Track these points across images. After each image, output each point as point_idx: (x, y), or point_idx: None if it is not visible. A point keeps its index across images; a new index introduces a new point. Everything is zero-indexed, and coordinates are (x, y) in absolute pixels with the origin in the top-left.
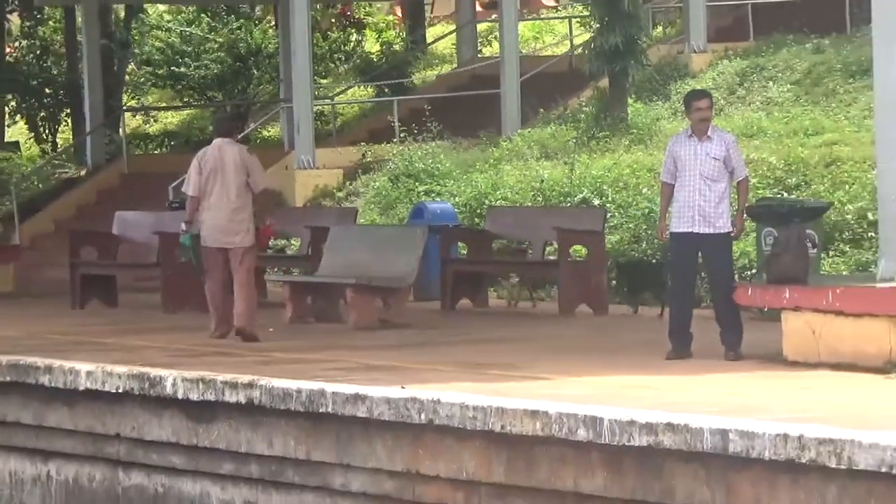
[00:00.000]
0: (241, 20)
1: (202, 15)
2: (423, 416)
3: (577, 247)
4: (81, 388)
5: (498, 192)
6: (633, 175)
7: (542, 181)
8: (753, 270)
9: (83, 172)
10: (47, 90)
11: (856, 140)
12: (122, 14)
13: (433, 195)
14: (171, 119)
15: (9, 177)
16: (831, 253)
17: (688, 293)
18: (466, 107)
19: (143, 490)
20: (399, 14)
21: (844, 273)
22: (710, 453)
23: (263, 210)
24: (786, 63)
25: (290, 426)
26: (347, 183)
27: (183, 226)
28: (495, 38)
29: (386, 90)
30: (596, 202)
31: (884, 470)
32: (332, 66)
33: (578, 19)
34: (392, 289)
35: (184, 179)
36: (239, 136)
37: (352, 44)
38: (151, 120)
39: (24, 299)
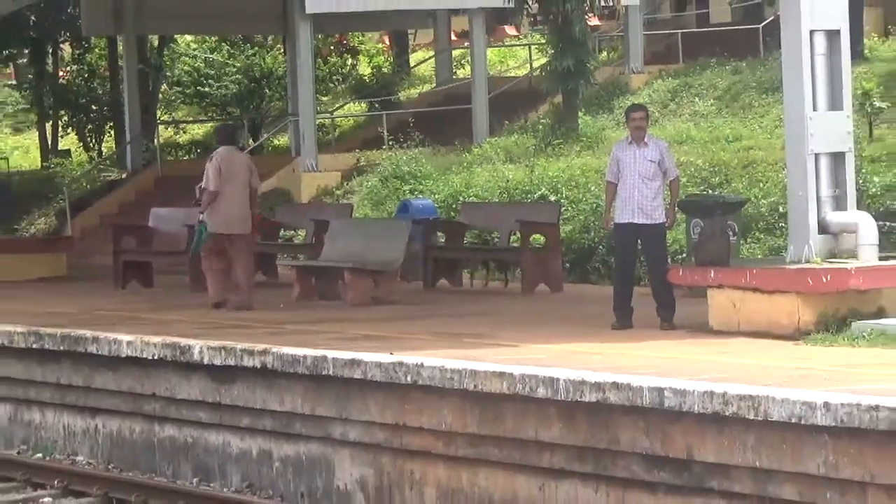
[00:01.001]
0: (256, 48)
1: (223, 44)
2: (408, 378)
3: (537, 236)
4: (123, 355)
5: (470, 190)
6: (583, 175)
7: (507, 181)
8: (684, 255)
9: (124, 175)
10: (94, 107)
11: (768, 145)
12: (156, 43)
13: (416, 193)
14: (197, 130)
15: (62, 179)
16: (748, 240)
17: (629, 274)
18: (444, 119)
19: (174, 440)
20: (387, 42)
21: (760, 257)
22: (649, 408)
23: (254, 204)
24: (709, 82)
25: (297, 386)
26: (345, 183)
27: (201, 216)
28: (467, 62)
29: (376, 105)
30: (552, 198)
31: (793, 421)
32: (332, 85)
33: (537, 46)
34: (382, 271)
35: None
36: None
37: (347, 67)
38: (181, 131)
39: (74, 282)
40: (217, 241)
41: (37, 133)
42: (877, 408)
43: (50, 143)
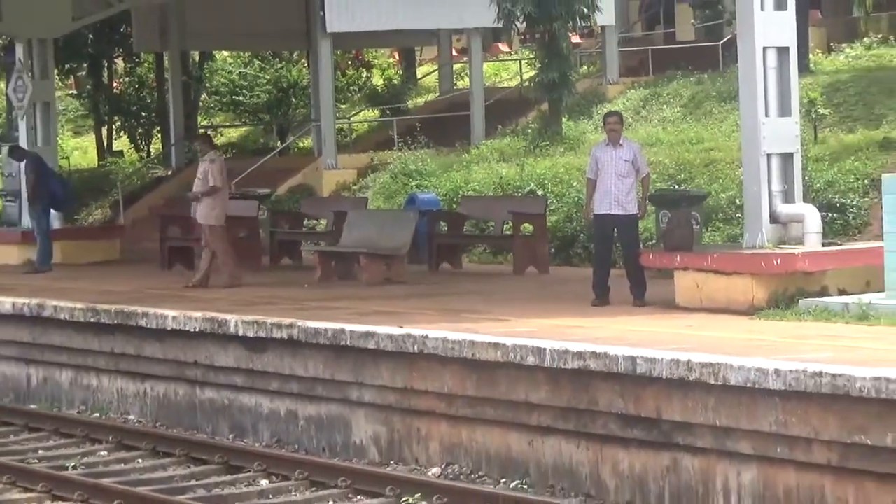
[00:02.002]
0: (283, 62)
1: (254, 59)
2: (415, 348)
3: (526, 225)
4: (168, 328)
5: (469, 185)
6: (566, 173)
7: (501, 177)
8: (654, 241)
9: (169, 172)
10: (143, 113)
11: (727, 147)
12: (197, 58)
13: (422, 188)
14: (232, 134)
15: (116, 176)
16: (710, 228)
17: (606, 258)
18: (446, 124)
19: (213, 402)
20: (397, 57)
21: (719, 243)
22: (623, 374)
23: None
24: (675, 92)
25: (319, 355)
26: (360, 179)
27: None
28: (466, 74)
29: (387, 112)
30: (539, 192)
31: (748, 385)
32: (349, 95)
33: (526, 61)
34: (393, 255)
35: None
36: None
37: (362, 79)
38: (218, 134)
39: (126, 265)
40: (226, 231)
41: (94, 136)
42: (820, 374)
43: (105, 144)
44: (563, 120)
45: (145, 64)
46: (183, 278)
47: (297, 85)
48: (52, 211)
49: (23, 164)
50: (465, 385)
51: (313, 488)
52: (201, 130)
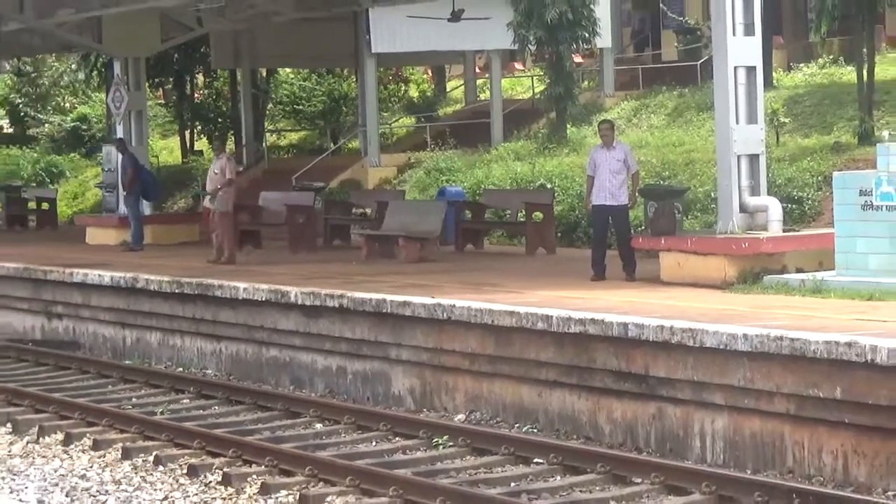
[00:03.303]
0: (335, 77)
1: (312, 74)
2: (444, 315)
3: (537, 213)
4: (240, 297)
5: (489, 180)
6: (570, 170)
7: (516, 174)
8: (643, 227)
9: (241, 169)
10: (219, 120)
11: (704, 149)
12: (265, 74)
13: (450, 182)
14: (293, 137)
15: (196, 171)
16: (689, 217)
17: (603, 241)
18: (470, 129)
19: (276, 359)
20: (430, 74)
21: (697, 229)
22: (617, 337)
23: None
24: (661, 103)
25: (365, 320)
26: (399, 175)
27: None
28: (488, 88)
29: (422, 119)
30: (548, 186)
31: (721, 347)
32: (390, 105)
33: (537, 77)
34: (426, 238)
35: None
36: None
37: (401, 92)
38: (281, 137)
39: (204, 245)
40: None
41: (178, 138)
42: (781, 338)
43: (187, 145)
44: (568, 126)
45: (221, 78)
46: (250, 257)
47: (347, 96)
48: (144, 200)
49: (120, 160)
50: (485, 346)
51: (359, 431)
52: (269, 134)
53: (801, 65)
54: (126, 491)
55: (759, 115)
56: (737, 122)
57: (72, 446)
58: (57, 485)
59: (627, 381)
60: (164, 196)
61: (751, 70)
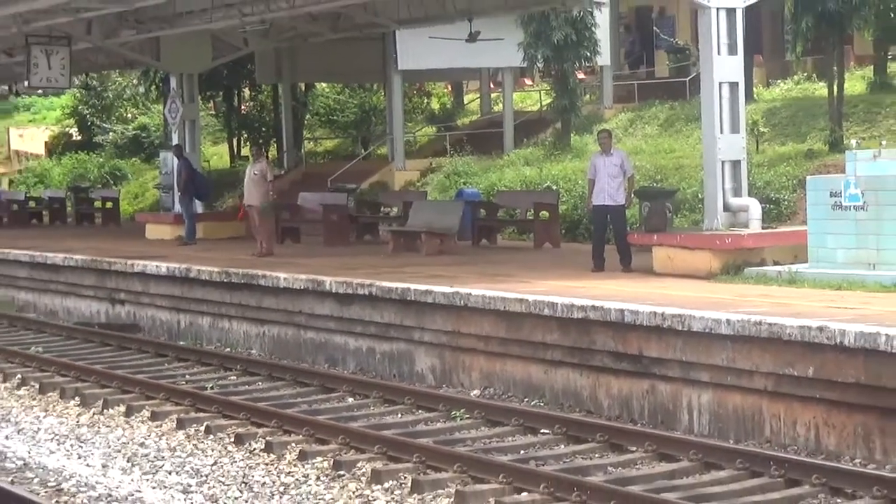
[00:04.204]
0: (366, 91)
1: (345, 88)
2: (462, 302)
3: (544, 212)
4: (281, 286)
5: (502, 182)
6: (574, 174)
7: (525, 177)
8: (638, 225)
9: (282, 172)
10: (262, 129)
11: (692, 156)
12: (303, 88)
13: (467, 184)
14: (328, 144)
15: (243, 174)
16: (679, 216)
17: (602, 237)
18: (485, 138)
19: (313, 340)
20: (450, 88)
21: (686, 226)
22: (615, 322)
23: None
24: (654, 115)
25: (392, 306)
26: (422, 178)
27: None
28: (501, 101)
29: (442, 129)
30: (554, 188)
31: (707, 331)
32: (414, 116)
33: (545, 91)
34: (446, 234)
35: (333, 176)
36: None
37: (424, 104)
38: (318, 144)
39: (250, 240)
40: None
41: (227, 145)
42: (760, 323)
43: (235, 151)
44: (572, 135)
45: (265, 92)
46: (291, 250)
47: (376, 108)
48: (197, 200)
49: (176, 165)
50: (498, 329)
51: (386, 404)
52: (307, 141)
53: (779, 81)
54: (180, 457)
55: (741, 125)
56: (721, 132)
57: (132, 417)
58: (119, 451)
59: (624, 360)
60: (214, 196)
61: (734, 85)
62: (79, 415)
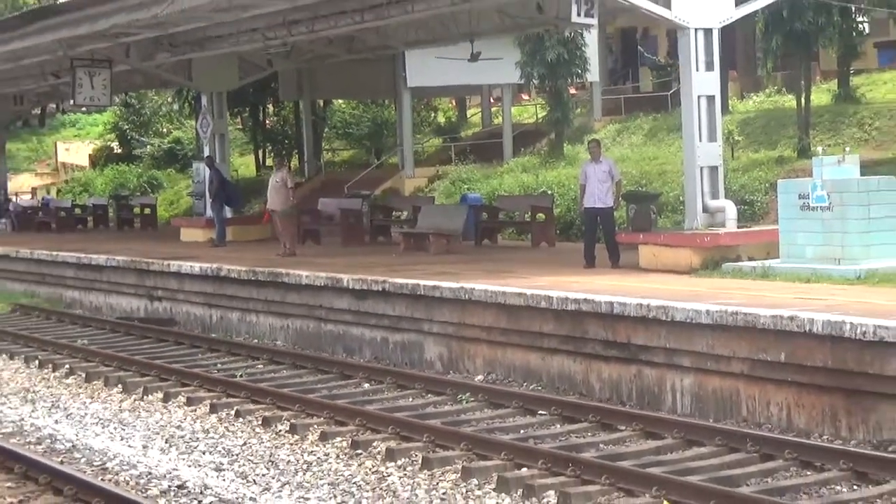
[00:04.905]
0: (378, 106)
1: (360, 104)
2: (466, 296)
3: (540, 214)
4: (303, 283)
5: (502, 188)
6: (567, 180)
7: (523, 183)
8: (625, 225)
9: (303, 180)
10: (285, 141)
11: (674, 163)
12: (322, 104)
13: (471, 190)
14: (345, 154)
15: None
16: (662, 217)
17: (593, 236)
18: (487, 148)
19: (332, 332)
20: (454, 103)
21: (669, 226)
22: (605, 313)
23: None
24: (639, 126)
25: (403, 300)
26: (429, 184)
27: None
28: (500, 114)
29: (447, 139)
30: (549, 192)
31: (688, 320)
32: (422, 128)
33: (540, 105)
34: (452, 235)
35: (349, 183)
36: (376, 162)
37: (431, 117)
38: (336, 155)
39: (276, 242)
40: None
41: (253, 156)
42: (736, 313)
43: (260, 161)
44: (565, 145)
45: (287, 108)
46: (312, 250)
47: (388, 122)
48: (227, 207)
49: (208, 174)
50: (499, 321)
51: (399, 390)
52: (326, 152)
53: (752, 94)
54: (213, 438)
55: (718, 134)
56: (700, 141)
57: (170, 403)
58: (158, 433)
59: (613, 348)
60: (242, 202)
61: (711, 98)
62: (121, 401)
